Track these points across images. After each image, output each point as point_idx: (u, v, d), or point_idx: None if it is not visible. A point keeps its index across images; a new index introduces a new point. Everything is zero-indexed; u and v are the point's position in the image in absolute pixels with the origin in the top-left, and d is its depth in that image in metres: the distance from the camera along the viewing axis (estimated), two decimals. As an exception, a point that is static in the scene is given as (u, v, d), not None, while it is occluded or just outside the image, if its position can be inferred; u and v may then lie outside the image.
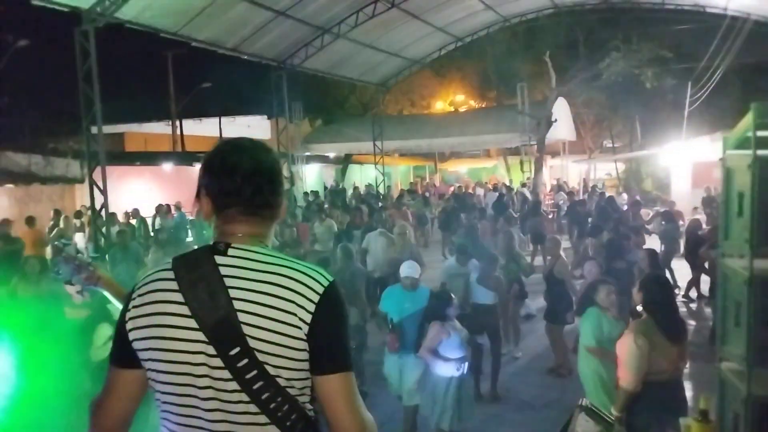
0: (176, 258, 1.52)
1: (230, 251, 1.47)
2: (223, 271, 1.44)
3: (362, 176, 26.96)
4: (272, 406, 1.40)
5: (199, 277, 1.45)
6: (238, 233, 1.51)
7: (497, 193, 17.75)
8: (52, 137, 18.44)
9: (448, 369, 4.56)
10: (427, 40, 18.50)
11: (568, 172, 25.82)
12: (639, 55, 20.01)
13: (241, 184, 1.50)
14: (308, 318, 1.41)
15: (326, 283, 1.46)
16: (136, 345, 1.48)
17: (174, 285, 1.46)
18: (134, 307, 1.49)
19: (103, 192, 10.62)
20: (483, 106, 28.42)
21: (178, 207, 15.10)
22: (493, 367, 6.28)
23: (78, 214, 13.24)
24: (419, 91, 28.73)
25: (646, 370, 3.47)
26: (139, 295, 1.49)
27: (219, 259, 1.46)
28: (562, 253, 7.26)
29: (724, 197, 2.55)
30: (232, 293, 1.42)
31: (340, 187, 23.21)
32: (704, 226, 10.43)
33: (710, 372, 2.83)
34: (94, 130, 11.00)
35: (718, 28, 16.60)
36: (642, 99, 23.07)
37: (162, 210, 14.36)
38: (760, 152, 2.18)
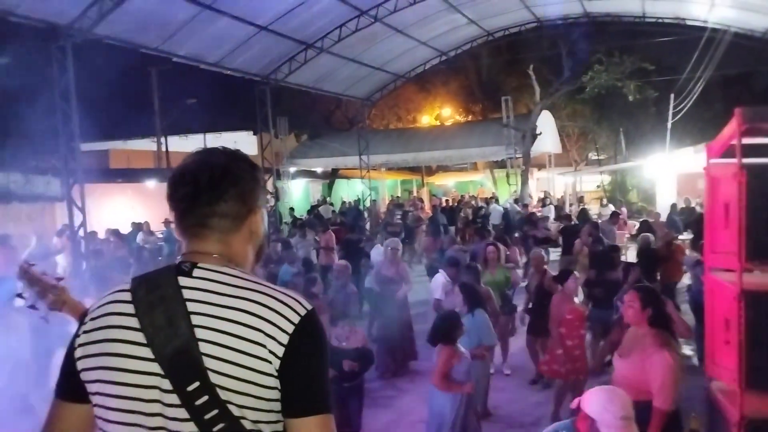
0: (136, 278, 1.35)
1: (196, 272, 1.30)
2: (187, 294, 1.27)
3: (349, 191, 26.86)
4: None
5: (158, 299, 1.27)
6: (207, 252, 1.34)
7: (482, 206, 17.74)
8: (32, 155, 18.16)
9: (458, 393, 4.41)
10: (411, 55, 18.54)
11: (554, 184, 25.92)
12: (621, 67, 20.22)
13: (195, 189, 1.34)
14: (280, 351, 1.23)
15: (303, 312, 1.28)
16: (83, 376, 1.31)
17: (130, 308, 1.29)
18: (84, 332, 1.33)
19: (82, 210, 10.42)
20: (468, 119, 28.52)
21: (166, 224, 14.88)
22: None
23: (59, 233, 13.00)
24: (405, 106, 28.82)
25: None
26: (92, 319, 1.33)
27: (183, 280, 1.29)
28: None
29: (708, 208, 2.45)
30: (195, 320, 1.24)
31: (328, 202, 23.08)
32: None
33: (697, 390, 2.72)
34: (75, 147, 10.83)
35: (699, 40, 16.80)
36: (625, 111, 23.27)
37: (143, 228, 14.16)
38: (746, 160, 2.08)
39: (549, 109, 22.26)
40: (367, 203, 21.59)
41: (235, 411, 1.22)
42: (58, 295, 1.97)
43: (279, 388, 1.24)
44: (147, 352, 1.25)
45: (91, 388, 1.31)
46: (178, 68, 15.54)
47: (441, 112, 29.70)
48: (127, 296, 1.31)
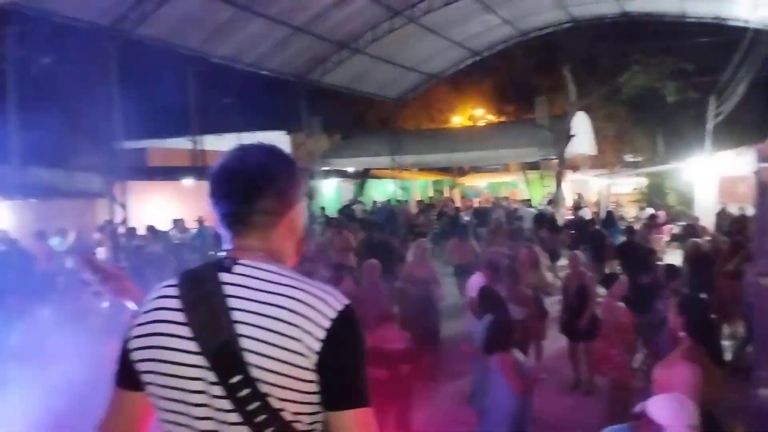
0: (182, 274, 1.41)
1: (236, 268, 1.35)
2: (228, 290, 1.32)
3: (380, 191, 26.91)
4: None
5: (201, 296, 1.32)
6: (247, 248, 1.39)
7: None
8: (75, 152, 18.70)
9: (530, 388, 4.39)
10: (444, 55, 18.52)
11: (589, 186, 25.52)
12: (660, 68, 19.79)
13: (234, 187, 1.39)
14: (317, 346, 1.27)
15: (339, 307, 1.31)
16: (137, 366, 1.37)
17: (177, 303, 1.34)
18: (137, 325, 1.39)
19: (123, 206, 10.69)
20: (501, 120, 28.28)
21: (200, 221, 15.16)
22: None
23: (100, 229, 13.36)
24: (437, 106, 28.70)
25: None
26: (144, 313, 1.39)
27: (224, 276, 1.34)
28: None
29: (759, 212, 2.41)
30: (235, 315, 1.28)
31: (359, 201, 23.17)
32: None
33: (743, 398, 2.67)
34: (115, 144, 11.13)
35: (741, 40, 16.35)
36: (663, 113, 22.77)
37: (177, 225, 14.45)
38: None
39: (584, 110, 21.93)
40: (399, 203, 21.62)
41: (276, 403, 1.26)
42: (120, 283, 2.06)
43: (317, 381, 1.28)
44: (193, 346, 1.30)
45: (144, 377, 1.37)
46: (215, 68, 15.84)
47: (473, 113, 29.52)
48: (174, 291, 1.37)
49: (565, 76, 20.54)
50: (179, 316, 1.33)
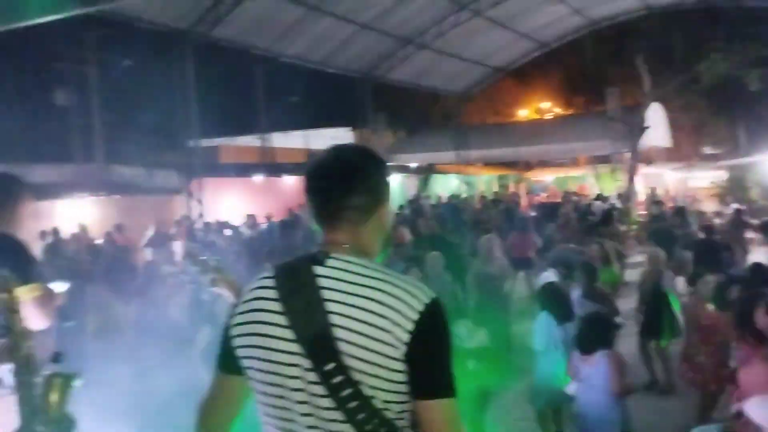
0: (278, 266, 1.50)
1: (329, 261, 1.42)
2: (321, 282, 1.40)
3: (444, 186, 26.79)
4: (368, 427, 1.33)
5: (297, 287, 1.41)
6: (339, 242, 1.46)
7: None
8: (153, 150, 19.65)
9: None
10: (511, 47, 18.22)
11: (663, 181, 24.48)
12: (742, 55, 18.70)
13: (328, 184, 1.47)
14: (406, 337, 1.33)
15: (427, 301, 1.37)
16: (238, 352, 1.47)
17: (274, 294, 1.43)
18: (239, 313, 1.49)
19: (200, 202, 11.15)
20: (570, 112, 27.55)
21: (268, 217, 15.55)
22: None
23: (177, 224, 13.97)
24: (503, 99, 28.27)
25: None
26: (244, 302, 1.49)
27: (317, 269, 1.42)
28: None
29: None
30: (329, 306, 1.36)
31: (425, 196, 23.14)
32: None
33: None
34: (190, 143, 11.62)
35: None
36: (746, 102, 21.55)
37: (248, 220, 14.87)
38: None
39: (659, 100, 21.04)
40: (465, 198, 21.44)
41: (367, 391, 1.33)
42: (216, 273, 2.21)
43: (406, 372, 1.33)
44: (290, 334, 1.39)
45: (243, 362, 1.47)
46: (282, 67, 16.23)
47: (540, 106, 28.88)
48: (272, 282, 1.46)
49: (638, 65, 19.76)
50: (276, 306, 1.42)
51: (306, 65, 14.57)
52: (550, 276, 6.52)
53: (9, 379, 1.78)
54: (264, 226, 15.18)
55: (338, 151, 1.53)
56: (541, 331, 5.01)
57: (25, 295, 2.42)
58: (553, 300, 5.12)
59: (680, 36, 20.77)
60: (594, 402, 4.15)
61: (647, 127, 19.29)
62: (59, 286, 2.98)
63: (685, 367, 5.51)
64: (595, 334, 4.30)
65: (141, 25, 10.48)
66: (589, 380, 4.18)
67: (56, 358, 1.86)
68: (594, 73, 22.91)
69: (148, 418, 4.01)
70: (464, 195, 22.36)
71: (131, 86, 17.27)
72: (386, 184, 1.53)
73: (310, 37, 12.92)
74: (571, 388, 4.46)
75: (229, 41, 11.86)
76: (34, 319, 2.53)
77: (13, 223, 2.81)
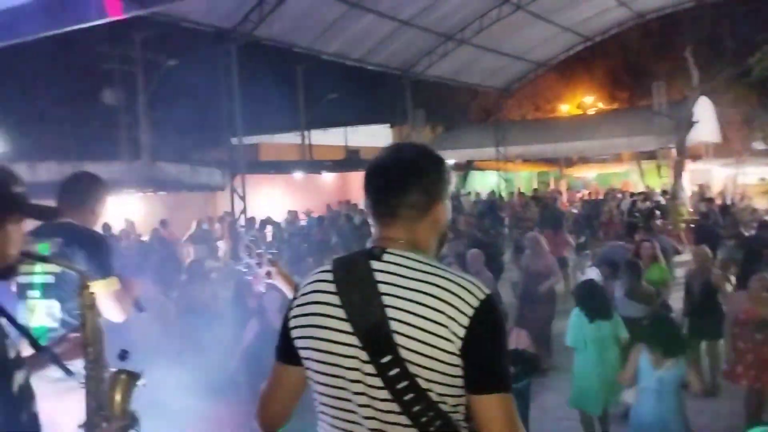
0: (335, 260, 1.53)
1: (385, 256, 1.44)
2: (378, 276, 1.42)
3: (483, 183, 26.60)
4: (423, 420, 1.35)
5: (354, 281, 1.44)
6: (394, 238, 1.48)
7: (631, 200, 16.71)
8: (197, 148, 20.14)
9: None
10: (553, 42, 17.91)
11: (712, 177, 23.74)
12: (796, 47, 17.94)
13: (386, 182, 1.49)
14: (461, 332, 1.34)
15: (482, 297, 1.38)
16: (297, 343, 1.51)
17: (332, 287, 1.46)
18: (297, 305, 1.52)
19: (243, 198, 11.35)
20: (614, 107, 26.94)
21: (308, 213, 15.75)
22: None
23: (221, 220, 14.27)
24: (544, 94, 27.81)
25: None
26: (302, 294, 1.52)
27: (374, 264, 1.44)
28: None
29: None
30: (385, 300, 1.38)
31: (465, 193, 23.03)
32: None
33: None
34: (234, 141, 11.82)
35: None
36: (800, 95, 20.69)
37: (289, 216, 15.09)
38: None
39: (707, 94, 20.38)
40: (504, 195, 21.25)
41: (423, 384, 1.34)
42: (272, 267, 2.28)
43: (461, 366, 1.35)
44: (347, 326, 1.41)
45: (302, 353, 1.50)
46: (322, 65, 16.37)
47: (583, 101, 28.32)
48: (329, 276, 1.48)
49: (686, 58, 19.19)
50: (334, 299, 1.44)
51: (346, 63, 14.65)
52: (592, 274, 6.43)
53: (82, 372, 1.85)
54: (304, 222, 15.40)
55: (397, 149, 1.56)
56: (573, 328, 4.97)
57: (102, 289, 2.53)
58: (588, 297, 5.06)
59: (730, 27, 20.06)
60: (664, 408, 4.03)
61: (695, 122, 18.73)
62: (138, 281, 3.06)
63: (732, 367, 5.37)
64: (673, 339, 4.19)
65: (187, 25, 10.69)
66: (660, 385, 4.05)
67: (122, 355, 1.92)
68: (639, 66, 22.31)
69: (195, 411, 4.11)
70: (503, 192, 22.15)
71: (176, 85, 17.70)
72: (444, 182, 1.54)
73: (350, 35, 12.98)
74: (629, 395, 4.36)
75: (272, 40, 12.00)
76: (110, 312, 2.63)
77: (92, 219, 2.92)
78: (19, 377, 1.66)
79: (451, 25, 14.74)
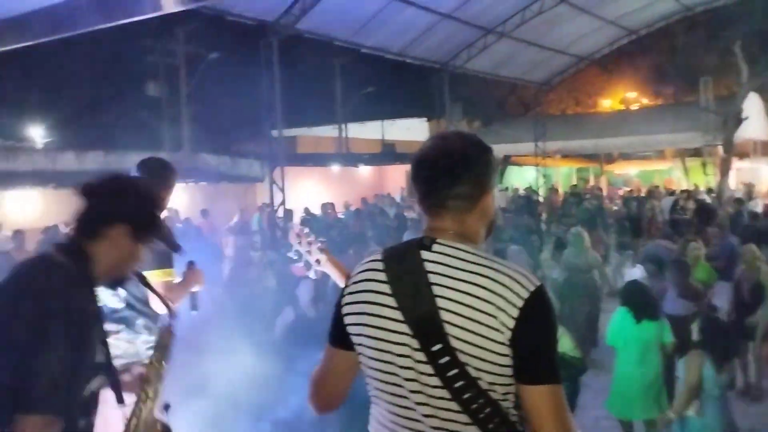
0: (386, 249, 1.56)
1: (435, 247, 1.46)
2: (428, 266, 1.44)
3: (520, 178, 26.30)
4: (474, 407, 1.37)
5: (405, 270, 1.46)
6: (443, 228, 1.49)
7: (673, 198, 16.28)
8: (237, 140, 20.46)
9: None
10: (596, 35, 17.53)
11: (760, 176, 22.95)
12: None
13: (434, 173, 1.49)
14: (511, 323, 1.35)
15: (532, 288, 1.39)
16: (349, 329, 1.54)
17: (383, 276, 1.48)
18: (349, 293, 1.55)
19: (282, 190, 11.48)
20: (658, 103, 26.28)
21: (347, 205, 15.83)
22: None
23: (260, 210, 14.48)
24: (585, 89, 27.33)
25: None
26: (354, 282, 1.55)
27: (424, 254, 1.46)
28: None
29: None
30: (435, 290, 1.40)
31: (502, 188, 22.80)
32: None
33: None
34: (274, 133, 11.94)
35: None
36: None
37: (327, 208, 15.19)
38: None
39: (757, 90, 19.70)
40: (541, 191, 20.94)
41: (473, 372, 1.36)
42: (322, 255, 2.31)
43: (511, 356, 1.36)
44: (398, 315, 1.44)
45: (354, 339, 1.53)
46: (361, 58, 16.37)
47: (626, 96, 27.70)
48: (380, 266, 1.51)
49: (735, 53, 18.58)
50: (386, 288, 1.47)
51: (384, 56, 14.63)
52: (637, 272, 6.32)
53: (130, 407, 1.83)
54: (341, 214, 15.49)
55: (444, 139, 1.56)
56: (615, 328, 4.88)
57: (157, 279, 2.56)
58: (636, 297, 4.94)
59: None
60: (719, 413, 3.95)
61: (744, 119, 18.14)
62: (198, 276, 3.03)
63: None
64: (731, 343, 4.17)
65: (230, 18, 10.84)
66: (721, 390, 3.96)
67: (165, 407, 1.95)
68: (686, 61, 21.68)
69: (234, 399, 4.19)
70: (541, 188, 21.85)
71: (217, 78, 17.98)
72: (491, 173, 1.54)
73: (390, 28, 12.94)
74: (694, 406, 4.24)
75: (312, 33, 12.07)
76: (157, 305, 2.67)
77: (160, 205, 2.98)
78: (94, 384, 1.72)
79: (492, 18, 14.55)
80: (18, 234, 9.28)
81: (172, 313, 2.06)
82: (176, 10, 4.39)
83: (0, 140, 17.29)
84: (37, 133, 20.41)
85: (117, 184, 1.81)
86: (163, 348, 2.00)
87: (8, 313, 1.59)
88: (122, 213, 1.74)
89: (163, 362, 1.98)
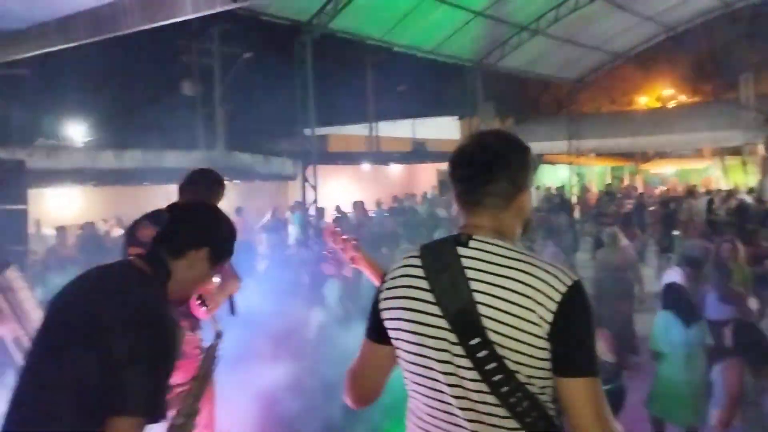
0: (423, 246, 1.58)
1: (471, 243, 1.48)
2: (465, 262, 1.46)
3: (554, 177, 25.97)
4: (511, 400, 1.39)
5: (442, 266, 1.48)
6: (480, 225, 1.51)
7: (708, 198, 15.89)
8: (270, 138, 20.68)
9: None
10: (633, 32, 17.18)
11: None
12: None
13: (471, 171, 1.51)
14: (549, 317, 1.37)
15: (570, 282, 1.40)
16: (386, 324, 1.56)
17: (421, 272, 1.51)
18: (387, 288, 1.58)
19: (315, 188, 11.58)
20: (696, 100, 25.65)
21: (378, 204, 15.85)
22: None
23: (292, 208, 14.63)
24: (620, 86, 26.82)
25: None
26: (392, 278, 1.58)
27: (461, 250, 1.48)
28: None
29: None
30: (472, 285, 1.42)
31: (535, 187, 22.57)
32: None
33: None
34: (306, 131, 12.03)
35: None
36: None
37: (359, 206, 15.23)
38: None
39: (801, 87, 19.12)
40: (574, 191, 20.67)
41: (511, 366, 1.38)
42: (356, 253, 2.34)
43: (549, 349, 1.37)
44: (436, 310, 1.46)
45: (391, 334, 1.56)
46: (393, 56, 16.37)
47: (663, 93, 27.09)
48: (418, 262, 1.53)
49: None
50: (423, 283, 1.50)
51: (416, 54, 14.61)
52: (674, 274, 6.19)
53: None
54: (373, 213, 15.54)
55: (481, 137, 1.59)
56: (660, 332, 4.76)
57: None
58: (679, 300, 4.83)
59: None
60: (755, 419, 3.78)
61: (787, 116, 17.61)
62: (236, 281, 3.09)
63: None
64: (734, 341, 3.95)
65: (264, 18, 10.95)
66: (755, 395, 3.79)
67: None
68: (725, 58, 21.11)
69: (266, 401, 4.22)
70: (575, 187, 21.56)
71: (251, 77, 18.22)
72: (528, 171, 1.56)
73: (423, 26, 12.89)
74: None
75: (346, 32, 12.13)
76: (194, 308, 2.72)
77: None
78: None
79: (526, 15, 14.40)
80: (61, 230, 9.55)
81: (218, 333, 2.11)
82: (216, 11, 4.47)
83: (42, 139, 17.82)
84: (77, 132, 20.98)
85: (210, 212, 1.97)
86: (206, 369, 2.04)
87: (113, 321, 1.61)
88: (210, 240, 1.86)
89: (208, 376, 2.04)
